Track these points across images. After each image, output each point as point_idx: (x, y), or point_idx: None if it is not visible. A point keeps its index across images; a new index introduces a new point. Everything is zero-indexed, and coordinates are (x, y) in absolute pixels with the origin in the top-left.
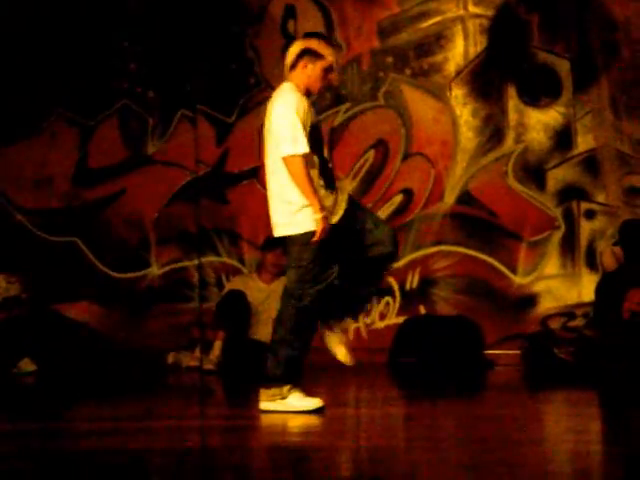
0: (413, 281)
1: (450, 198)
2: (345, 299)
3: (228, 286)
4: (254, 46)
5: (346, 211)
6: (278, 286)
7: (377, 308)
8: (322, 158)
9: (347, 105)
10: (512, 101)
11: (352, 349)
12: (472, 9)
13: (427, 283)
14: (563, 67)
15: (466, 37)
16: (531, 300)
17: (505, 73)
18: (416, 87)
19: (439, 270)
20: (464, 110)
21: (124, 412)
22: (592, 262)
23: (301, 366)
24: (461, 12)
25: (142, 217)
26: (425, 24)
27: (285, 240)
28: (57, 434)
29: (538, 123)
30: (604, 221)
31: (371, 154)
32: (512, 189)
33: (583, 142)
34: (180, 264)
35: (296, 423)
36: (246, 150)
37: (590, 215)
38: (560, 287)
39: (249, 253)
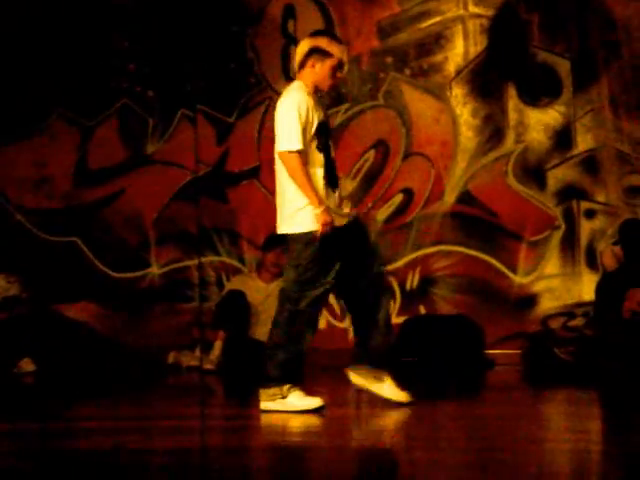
0: (413, 281)
1: (450, 198)
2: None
3: (228, 286)
4: (254, 46)
5: (355, 232)
6: (278, 286)
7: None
8: (329, 157)
9: (347, 105)
10: (512, 101)
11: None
12: (472, 9)
13: (427, 283)
14: (563, 67)
15: (466, 37)
16: (531, 300)
17: (505, 73)
18: (416, 87)
19: (439, 270)
20: (464, 110)
21: (124, 412)
22: (592, 262)
23: (301, 366)
24: (461, 12)
25: (142, 217)
26: (425, 24)
27: (287, 238)
28: (57, 434)
29: (538, 123)
30: (604, 221)
31: (371, 154)
32: (512, 189)
33: (583, 142)
34: (180, 264)
35: (296, 423)
36: (246, 150)
37: (590, 215)
38: (560, 287)
39: (249, 253)
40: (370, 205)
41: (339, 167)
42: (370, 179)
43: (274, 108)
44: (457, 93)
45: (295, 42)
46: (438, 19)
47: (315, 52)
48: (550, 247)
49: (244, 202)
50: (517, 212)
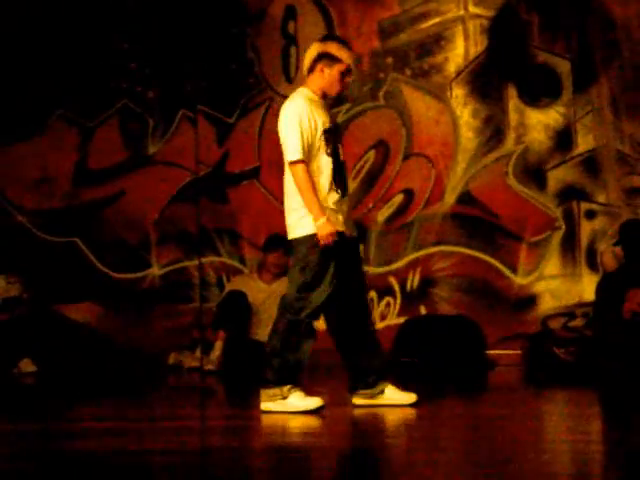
0: (414, 281)
1: (450, 198)
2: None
3: (228, 286)
4: (254, 46)
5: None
6: (279, 286)
7: (378, 309)
8: (338, 161)
9: (347, 105)
10: (512, 101)
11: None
12: (472, 9)
13: (428, 283)
14: (563, 67)
15: (466, 37)
16: (532, 300)
17: (505, 73)
18: (416, 87)
19: (440, 270)
20: (464, 110)
21: (125, 412)
22: (592, 262)
23: (299, 372)
24: (461, 12)
25: (142, 217)
26: (425, 24)
27: (292, 243)
28: (58, 434)
29: (538, 123)
30: (604, 221)
31: (371, 154)
32: (512, 189)
33: (583, 142)
34: (181, 264)
35: (296, 423)
36: (247, 150)
37: (590, 215)
38: (560, 287)
39: (250, 253)
40: (371, 205)
41: None
42: (370, 179)
43: (274, 108)
44: (457, 94)
45: (295, 43)
46: (438, 20)
47: (324, 57)
48: (550, 248)
49: (244, 202)
50: (517, 213)
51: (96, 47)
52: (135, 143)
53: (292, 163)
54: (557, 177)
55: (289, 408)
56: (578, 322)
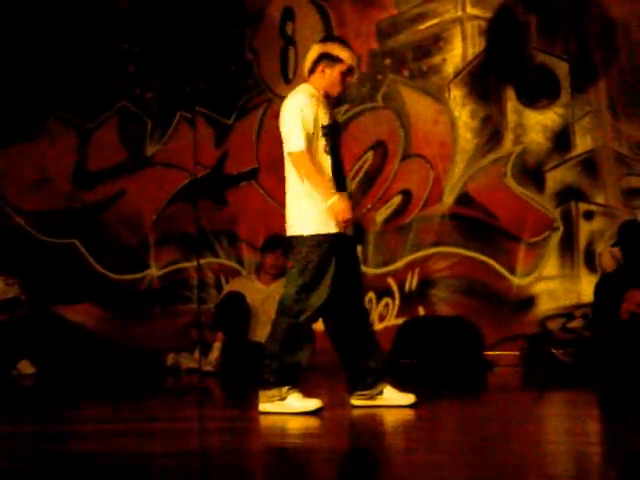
0: (412, 282)
1: (449, 199)
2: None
3: (227, 287)
4: (253, 48)
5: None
6: (277, 287)
7: (376, 310)
8: (338, 161)
9: (346, 106)
10: (511, 102)
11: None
12: (470, 11)
13: (426, 284)
14: (561, 68)
15: (464, 39)
16: (530, 301)
17: (503, 74)
18: (414, 88)
19: (438, 271)
20: (463, 111)
21: (123, 414)
22: (591, 263)
23: (299, 370)
24: (459, 14)
25: (141, 219)
26: (423, 26)
27: (292, 242)
28: (57, 436)
29: (537, 124)
30: (603, 222)
31: (370, 155)
32: (511, 190)
33: (582, 143)
34: (179, 265)
35: (295, 425)
36: (245, 152)
37: (589, 216)
38: (559, 288)
39: (248, 254)
40: (369, 206)
41: None
42: (369, 180)
43: (272, 110)
44: (455, 95)
45: (294, 44)
46: (436, 21)
47: (325, 58)
48: (549, 248)
49: (243, 204)
50: (516, 213)
51: (95, 49)
52: (134, 144)
53: (294, 153)
54: (555, 178)
55: (288, 409)
56: (577, 323)
